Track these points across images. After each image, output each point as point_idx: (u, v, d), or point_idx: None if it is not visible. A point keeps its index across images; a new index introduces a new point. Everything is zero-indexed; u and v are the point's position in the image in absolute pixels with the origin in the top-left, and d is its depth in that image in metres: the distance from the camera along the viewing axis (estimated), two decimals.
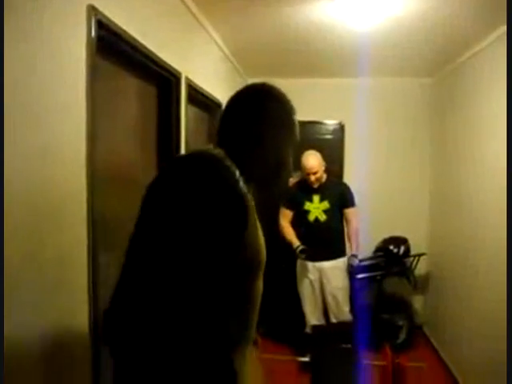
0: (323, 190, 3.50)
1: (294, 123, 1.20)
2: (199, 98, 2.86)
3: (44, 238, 1.28)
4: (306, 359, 3.42)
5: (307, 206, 3.51)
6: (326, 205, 3.48)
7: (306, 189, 3.53)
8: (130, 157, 2.05)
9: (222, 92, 3.34)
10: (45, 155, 1.28)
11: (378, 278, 3.92)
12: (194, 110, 2.94)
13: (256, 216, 1.12)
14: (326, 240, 3.51)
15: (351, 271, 3.48)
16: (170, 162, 1.13)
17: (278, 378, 3.11)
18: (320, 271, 3.52)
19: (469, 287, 3.21)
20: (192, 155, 1.12)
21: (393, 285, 4.05)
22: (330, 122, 4.35)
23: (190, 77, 2.51)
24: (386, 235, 4.15)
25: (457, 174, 3.57)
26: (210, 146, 1.16)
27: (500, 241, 2.63)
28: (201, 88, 2.77)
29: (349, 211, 3.52)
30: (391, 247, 4.00)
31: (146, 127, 2.20)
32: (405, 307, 4.06)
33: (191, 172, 1.00)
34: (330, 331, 3.52)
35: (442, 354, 3.79)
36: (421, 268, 4.12)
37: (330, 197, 3.49)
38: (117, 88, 1.92)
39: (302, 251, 3.43)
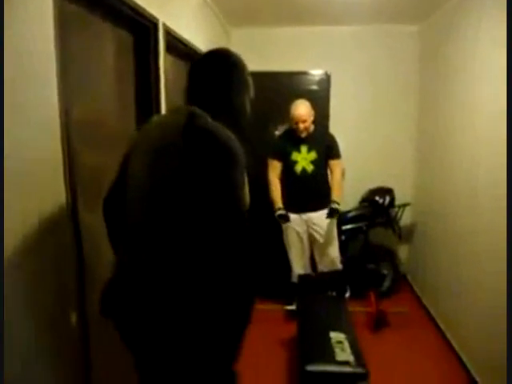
0: (311, 141, 3.46)
1: (250, 84, 1.51)
2: (179, 46, 2.75)
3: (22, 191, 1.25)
4: (293, 307, 3.52)
5: (295, 156, 3.48)
6: (313, 155, 3.46)
7: (293, 139, 3.49)
8: (106, 108, 1.99)
9: (202, 40, 3.22)
10: (14, 110, 1.22)
11: (364, 228, 3.96)
12: (173, 59, 2.84)
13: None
14: (313, 191, 3.50)
15: (330, 215, 3.43)
16: (188, 133, 1.30)
17: (266, 327, 3.20)
18: (307, 223, 3.55)
19: (453, 236, 3.25)
20: (208, 130, 1.31)
21: (378, 235, 4.13)
22: (316, 72, 4.25)
23: (168, 24, 2.41)
24: (372, 186, 4.17)
25: (445, 122, 3.53)
26: (193, 107, 1.38)
27: (493, 187, 2.62)
28: (180, 36, 2.66)
29: (334, 162, 3.51)
30: (377, 198, 4.02)
31: (122, 76, 2.12)
32: (389, 257, 4.15)
33: (217, 151, 1.27)
34: (316, 280, 3.60)
35: (424, 300, 3.91)
36: (406, 218, 4.17)
37: (318, 147, 3.46)
38: (89, 36, 1.83)
39: (280, 216, 3.45)
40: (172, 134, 1.30)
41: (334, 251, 3.59)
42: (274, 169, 3.58)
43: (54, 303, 1.44)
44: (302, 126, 3.38)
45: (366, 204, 4.11)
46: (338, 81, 4.24)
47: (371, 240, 4.03)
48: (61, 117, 1.42)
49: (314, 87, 4.23)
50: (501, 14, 2.44)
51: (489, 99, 2.68)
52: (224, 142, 1.28)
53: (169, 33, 2.42)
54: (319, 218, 3.50)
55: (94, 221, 1.66)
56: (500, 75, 2.45)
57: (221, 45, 4.02)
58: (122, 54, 2.13)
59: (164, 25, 2.33)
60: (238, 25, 4.21)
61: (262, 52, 4.15)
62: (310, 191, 3.50)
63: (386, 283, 4.00)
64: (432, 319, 3.60)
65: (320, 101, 4.12)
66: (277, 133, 4.10)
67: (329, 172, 3.55)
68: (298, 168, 3.48)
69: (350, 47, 4.28)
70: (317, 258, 3.65)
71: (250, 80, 1.51)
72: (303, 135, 3.44)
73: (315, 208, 3.51)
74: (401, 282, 4.22)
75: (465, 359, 2.93)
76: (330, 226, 3.53)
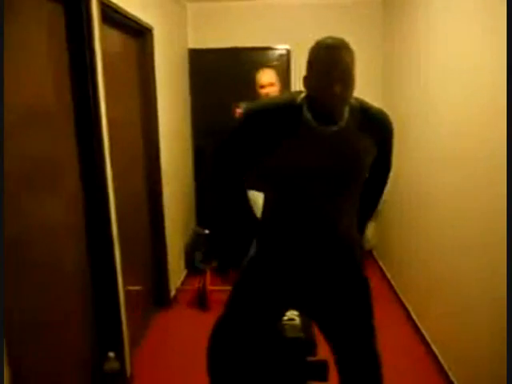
0: None
1: (312, 64, 1.55)
2: (122, 21, 2.63)
3: None
4: None
5: None
6: None
7: None
8: (38, 91, 1.87)
9: (152, 15, 3.10)
10: None
11: None
12: (118, 34, 2.72)
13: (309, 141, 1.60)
14: None
15: None
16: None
17: None
18: None
19: (417, 211, 3.23)
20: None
21: None
22: (276, 47, 4.16)
23: None
24: None
25: (410, 95, 3.46)
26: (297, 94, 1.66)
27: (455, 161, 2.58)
28: (121, 8, 2.52)
29: None
30: None
31: (53, 53, 2.00)
32: None
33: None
34: None
35: (388, 275, 3.93)
36: None
37: None
38: (12, 11, 1.70)
39: None
40: None
41: None
42: None
43: None
44: (269, 89, 3.20)
45: None
46: (299, 55, 4.15)
47: None
48: None
49: (275, 62, 4.14)
50: None
51: (450, 67, 2.61)
52: None
53: (106, 4, 2.29)
54: None
55: None
56: (467, 42, 2.33)
57: (176, 20, 3.88)
58: (52, 30, 2.00)
59: None
60: None
61: (220, 27, 4.04)
62: None
63: None
64: (395, 293, 3.62)
65: (281, 77, 4.02)
66: (238, 110, 4.00)
67: None
68: None
69: (310, 19, 4.18)
70: None
71: (313, 59, 1.54)
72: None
73: None
74: (367, 257, 4.23)
75: (425, 333, 2.95)
76: None
